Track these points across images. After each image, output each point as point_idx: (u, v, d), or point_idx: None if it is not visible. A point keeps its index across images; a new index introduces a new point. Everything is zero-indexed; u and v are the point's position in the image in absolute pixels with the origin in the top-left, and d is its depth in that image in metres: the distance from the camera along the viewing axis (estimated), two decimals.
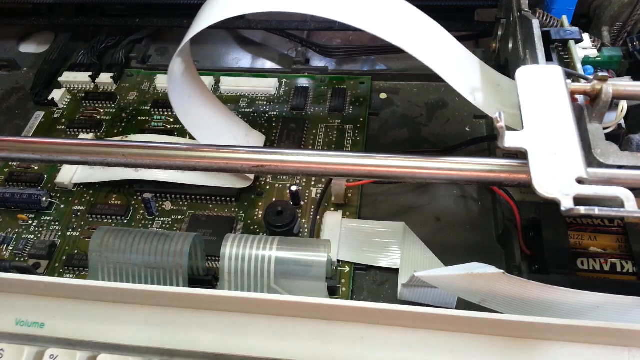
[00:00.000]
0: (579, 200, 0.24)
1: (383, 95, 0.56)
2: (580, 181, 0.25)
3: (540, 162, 0.26)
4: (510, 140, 0.26)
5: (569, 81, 0.30)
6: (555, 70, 0.29)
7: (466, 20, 0.56)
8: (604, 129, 0.32)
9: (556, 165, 0.26)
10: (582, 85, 0.29)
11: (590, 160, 0.29)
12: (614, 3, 0.40)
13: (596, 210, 0.23)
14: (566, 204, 0.24)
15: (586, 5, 0.43)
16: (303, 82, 0.58)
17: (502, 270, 0.28)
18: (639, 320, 0.28)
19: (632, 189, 0.26)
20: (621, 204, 0.24)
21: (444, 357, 0.30)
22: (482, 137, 0.50)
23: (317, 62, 0.60)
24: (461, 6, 0.56)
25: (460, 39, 0.55)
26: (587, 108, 0.30)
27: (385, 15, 0.34)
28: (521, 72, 0.30)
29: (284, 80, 0.58)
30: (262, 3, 0.34)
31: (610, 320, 0.29)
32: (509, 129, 0.27)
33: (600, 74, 0.29)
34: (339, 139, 0.51)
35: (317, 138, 0.52)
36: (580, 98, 0.30)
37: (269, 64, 0.61)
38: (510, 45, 0.42)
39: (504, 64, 0.45)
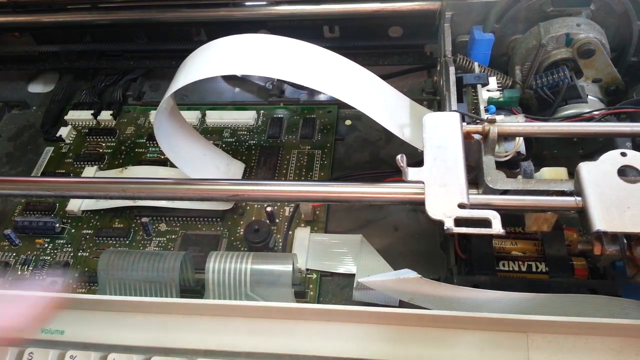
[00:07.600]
0: (459, 221, 0.32)
1: (348, 122, 0.63)
2: (462, 206, 0.33)
3: (433, 191, 0.33)
4: (412, 175, 0.34)
5: (464, 123, 0.37)
6: (454, 116, 0.37)
7: (417, 54, 0.64)
8: (505, 156, 0.40)
9: (444, 194, 0.33)
10: (475, 126, 0.37)
11: (484, 186, 0.37)
12: (522, 47, 0.48)
13: (464, 230, 0.31)
14: (448, 224, 0.32)
15: (505, 45, 0.51)
16: (278, 112, 0.65)
17: (420, 275, 0.36)
18: (529, 312, 0.36)
19: (507, 209, 0.34)
20: (490, 224, 0.32)
21: (382, 345, 0.36)
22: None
23: (291, 93, 0.67)
24: (413, 44, 0.63)
25: (413, 70, 0.63)
26: (482, 143, 0.38)
27: (324, 72, 0.42)
28: (427, 118, 0.37)
29: (262, 111, 0.65)
30: (230, 68, 0.42)
31: (505, 311, 0.36)
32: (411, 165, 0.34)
33: (489, 116, 0.37)
34: (309, 163, 0.59)
35: (290, 163, 0.59)
36: (476, 136, 0.38)
37: (248, 97, 0.68)
38: (441, 83, 0.50)
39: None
